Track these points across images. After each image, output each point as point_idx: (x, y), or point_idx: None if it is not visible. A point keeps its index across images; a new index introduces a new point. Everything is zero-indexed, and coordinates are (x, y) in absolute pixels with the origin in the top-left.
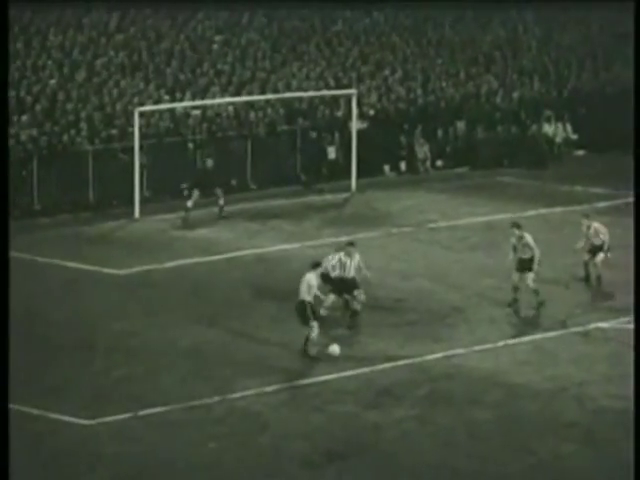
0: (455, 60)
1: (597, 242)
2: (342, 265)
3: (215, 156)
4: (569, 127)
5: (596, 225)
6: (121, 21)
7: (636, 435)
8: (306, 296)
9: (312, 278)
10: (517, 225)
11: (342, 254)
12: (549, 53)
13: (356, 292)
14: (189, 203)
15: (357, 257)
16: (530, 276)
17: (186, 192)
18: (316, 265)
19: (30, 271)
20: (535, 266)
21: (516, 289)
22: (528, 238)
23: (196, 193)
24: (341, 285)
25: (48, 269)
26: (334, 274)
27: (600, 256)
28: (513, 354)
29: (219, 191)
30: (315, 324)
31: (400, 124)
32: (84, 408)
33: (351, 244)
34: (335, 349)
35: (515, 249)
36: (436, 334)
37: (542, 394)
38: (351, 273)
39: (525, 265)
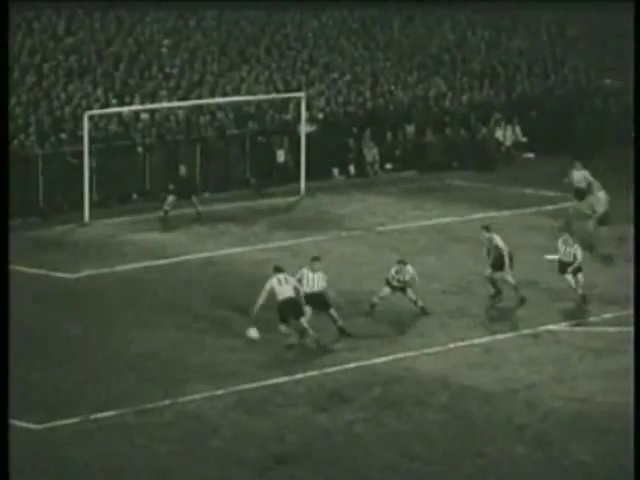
0: (404, 63)
1: (496, 254)
2: (308, 280)
3: (163, 160)
4: (518, 130)
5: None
6: (69, 24)
7: (636, 434)
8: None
9: (273, 282)
10: (486, 227)
11: (306, 269)
12: (498, 56)
13: (332, 311)
14: (166, 206)
15: (321, 273)
16: (505, 273)
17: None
18: (278, 269)
19: None
20: (507, 262)
21: (494, 282)
22: (497, 239)
23: (171, 198)
24: (312, 300)
25: None
26: (303, 290)
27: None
28: (463, 356)
29: (195, 199)
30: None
31: (349, 127)
32: (34, 413)
33: (316, 259)
34: (254, 333)
35: (488, 252)
36: (386, 337)
37: (492, 396)
38: (316, 288)
39: (497, 264)
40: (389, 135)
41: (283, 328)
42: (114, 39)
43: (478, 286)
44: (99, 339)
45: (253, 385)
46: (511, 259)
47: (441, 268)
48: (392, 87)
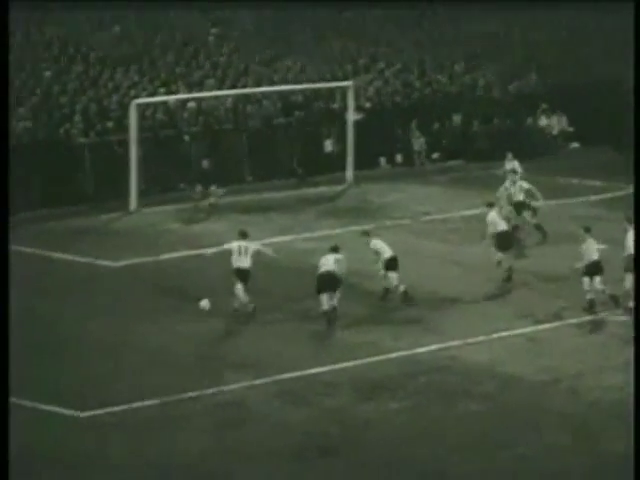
0: (451, 52)
1: (387, 255)
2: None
3: (211, 149)
4: (565, 119)
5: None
6: (118, 14)
7: (636, 435)
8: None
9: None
10: (366, 233)
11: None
12: (545, 45)
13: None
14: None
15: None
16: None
17: (187, 188)
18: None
19: (25, 264)
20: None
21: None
22: (377, 244)
23: (199, 188)
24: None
25: (43, 261)
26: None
27: None
28: (507, 346)
29: (214, 189)
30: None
31: (396, 117)
32: (76, 401)
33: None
34: (205, 304)
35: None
36: (430, 326)
37: (536, 386)
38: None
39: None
40: (436, 124)
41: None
42: (161, 28)
43: (523, 275)
44: (139, 327)
45: (294, 374)
46: (394, 262)
47: (486, 257)
48: (439, 76)
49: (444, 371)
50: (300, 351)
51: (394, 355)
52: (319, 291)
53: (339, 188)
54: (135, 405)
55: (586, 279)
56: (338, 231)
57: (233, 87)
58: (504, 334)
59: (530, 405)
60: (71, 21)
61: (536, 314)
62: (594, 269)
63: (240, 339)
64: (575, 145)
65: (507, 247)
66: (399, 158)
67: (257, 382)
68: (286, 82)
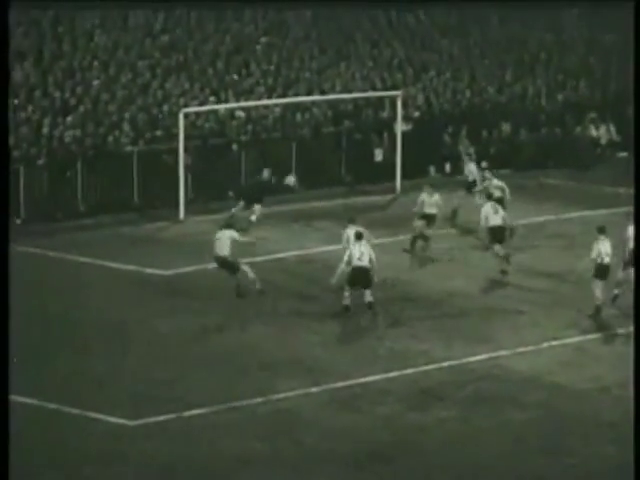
0: (501, 61)
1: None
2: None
3: (258, 157)
4: (613, 129)
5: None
6: (166, 22)
7: (636, 437)
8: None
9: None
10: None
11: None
12: (594, 54)
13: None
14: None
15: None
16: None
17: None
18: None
19: (74, 271)
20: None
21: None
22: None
23: (241, 203)
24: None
25: (92, 269)
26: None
27: None
28: (555, 355)
29: (257, 207)
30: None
31: (445, 125)
32: (126, 408)
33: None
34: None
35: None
36: (479, 336)
37: (584, 395)
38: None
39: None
40: (485, 133)
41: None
42: (211, 36)
43: (570, 285)
44: (191, 336)
45: (346, 382)
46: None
47: (535, 266)
48: (488, 85)
49: (493, 380)
50: (352, 359)
51: (445, 364)
52: (350, 284)
53: (388, 197)
54: (186, 413)
55: (598, 282)
56: (388, 240)
57: (283, 96)
58: (553, 343)
59: (578, 414)
60: (120, 29)
61: (583, 324)
62: (603, 272)
63: (292, 346)
64: (623, 154)
65: (501, 240)
66: (448, 167)
67: (310, 390)
68: (336, 91)
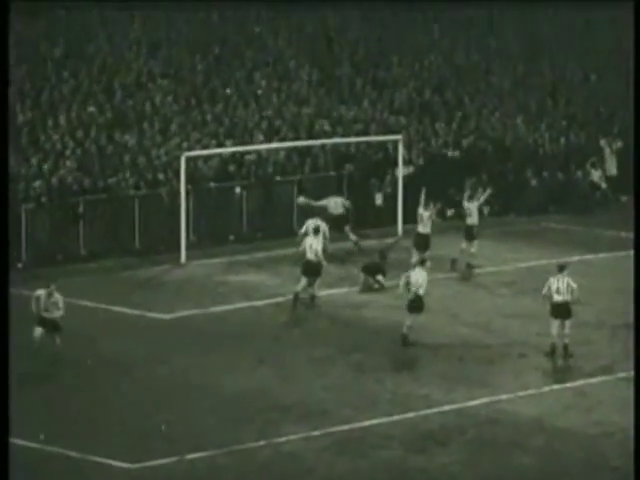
0: (505, 105)
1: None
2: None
3: (261, 200)
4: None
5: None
6: (166, 66)
7: (636, 439)
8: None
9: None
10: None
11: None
12: (595, 99)
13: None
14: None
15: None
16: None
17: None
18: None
19: (75, 315)
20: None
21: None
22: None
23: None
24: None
25: (93, 313)
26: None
27: None
28: (558, 399)
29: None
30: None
31: (447, 169)
32: (127, 451)
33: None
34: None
35: None
36: (481, 379)
37: (587, 439)
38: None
39: None
40: (486, 177)
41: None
42: (210, 79)
43: (575, 328)
44: (192, 379)
45: (348, 426)
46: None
47: (537, 310)
48: (491, 129)
49: (495, 424)
50: (354, 403)
51: (446, 408)
52: (303, 274)
53: (390, 240)
54: (188, 457)
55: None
56: (388, 283)
57: (283, 139)
58: (554, 387)
59: (581, 459)
60: (120, 69)
61: (585, 367)
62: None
63: (293, 390)
64: (624, 198)
65: (425, 248)
66: (449, 212)
67: (311, 434)
68: (337, 133)
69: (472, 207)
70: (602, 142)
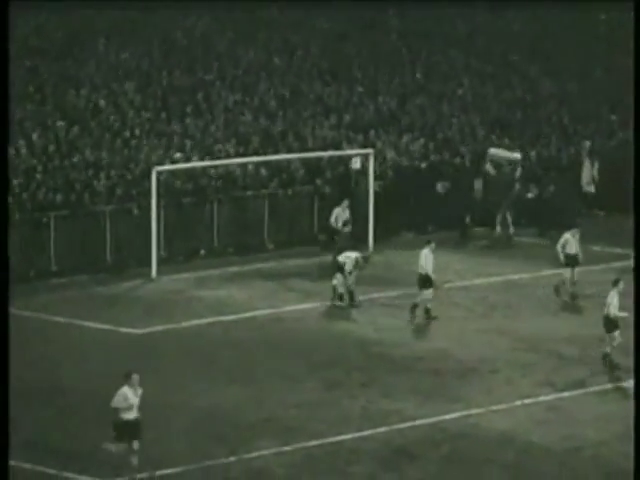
0: (474, 119)
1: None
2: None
3: (234, 214)
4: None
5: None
6: (140, 84)
7: (636, 439)
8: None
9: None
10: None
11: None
12: (567, 110)
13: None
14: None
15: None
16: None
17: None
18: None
19: (46, 331)
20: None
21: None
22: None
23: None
24: None
25: (65, 329)
26: None
27: None
28: (530, 414)
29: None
30: None
31: (418, 182)
32: (100, 469)
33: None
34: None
35: None
36: (453, 394)
37: (558, 454)
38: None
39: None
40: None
41: None
42: (182, 93)
43: (546, 343)
44: (163, 395)
45: (320, 441)
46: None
47: (509, 325)
48: (461, 144)
49: (466, 439)
50: (325, 418)
51: (418, 423)
52: None
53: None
54: (159, 473)
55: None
56: (361, 298)
57: (254, 153)
58: (526, 402)
59: (552, 474)
60: (93, 86)
61: (558, 382)
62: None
63: (264, 406)
64: (599, 213)
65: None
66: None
67: (282, 449)
68: (307, 148)
69: None
70: (583, 154)
